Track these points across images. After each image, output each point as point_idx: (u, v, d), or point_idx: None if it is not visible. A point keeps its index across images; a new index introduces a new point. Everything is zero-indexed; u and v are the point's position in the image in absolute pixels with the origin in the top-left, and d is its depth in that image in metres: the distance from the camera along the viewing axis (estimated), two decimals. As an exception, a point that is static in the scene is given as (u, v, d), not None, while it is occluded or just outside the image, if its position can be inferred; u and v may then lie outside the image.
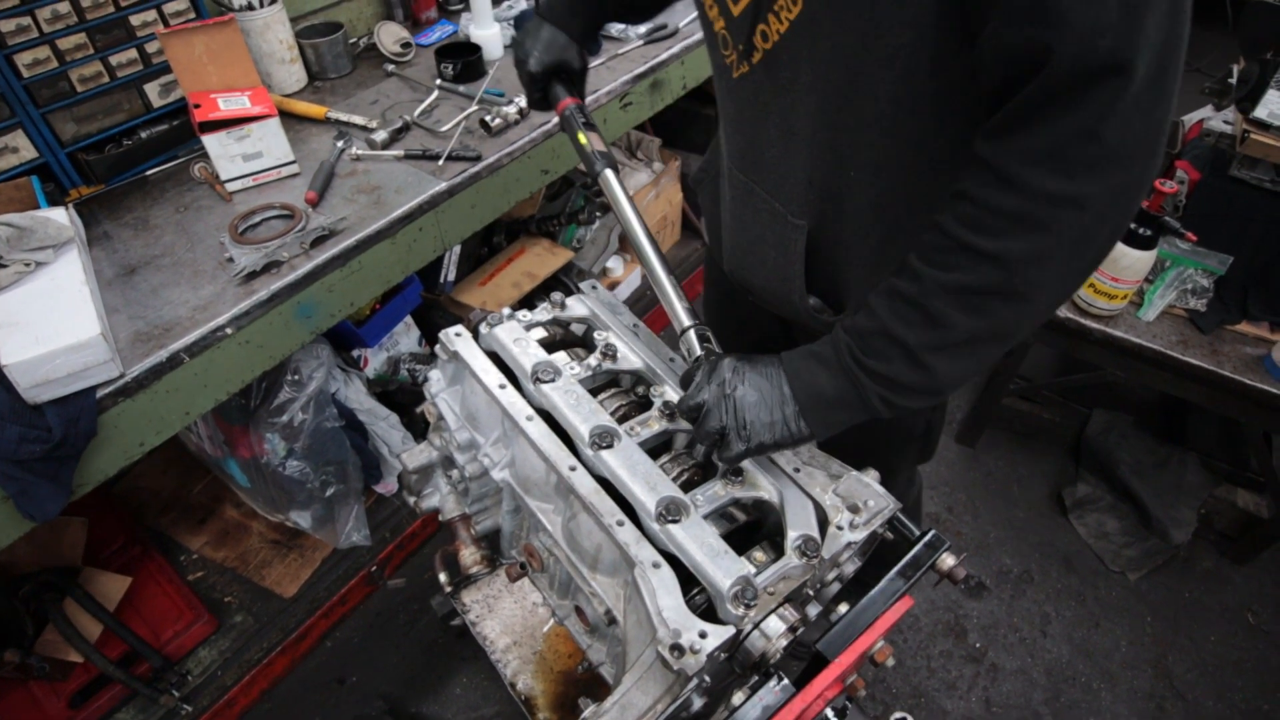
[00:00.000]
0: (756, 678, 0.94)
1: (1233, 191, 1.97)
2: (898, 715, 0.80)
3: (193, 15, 1.74)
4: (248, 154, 1.66)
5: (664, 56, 2.19)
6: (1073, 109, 0.74)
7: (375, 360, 2.10)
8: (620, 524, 0.93)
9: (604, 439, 0.99)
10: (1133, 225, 1.90)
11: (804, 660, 0.96)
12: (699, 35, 2.29)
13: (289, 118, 1.88)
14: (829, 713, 0.93)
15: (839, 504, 1.02)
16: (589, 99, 1.99)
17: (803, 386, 0.93)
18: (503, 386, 1.07)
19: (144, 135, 1.74)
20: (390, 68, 2.10)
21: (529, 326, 1.16)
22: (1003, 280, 0.82)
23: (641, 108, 2.22)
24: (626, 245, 2.77)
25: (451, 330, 1.14)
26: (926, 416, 1.39)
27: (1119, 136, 0.74)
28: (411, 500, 1.30)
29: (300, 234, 1.55)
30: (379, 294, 1.71)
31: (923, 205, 0.97)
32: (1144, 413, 2.61)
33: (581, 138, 1.17)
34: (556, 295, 1.21)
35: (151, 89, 1.73)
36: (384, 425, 2.01)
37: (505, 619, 1.83)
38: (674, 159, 2.92)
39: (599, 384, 1.15)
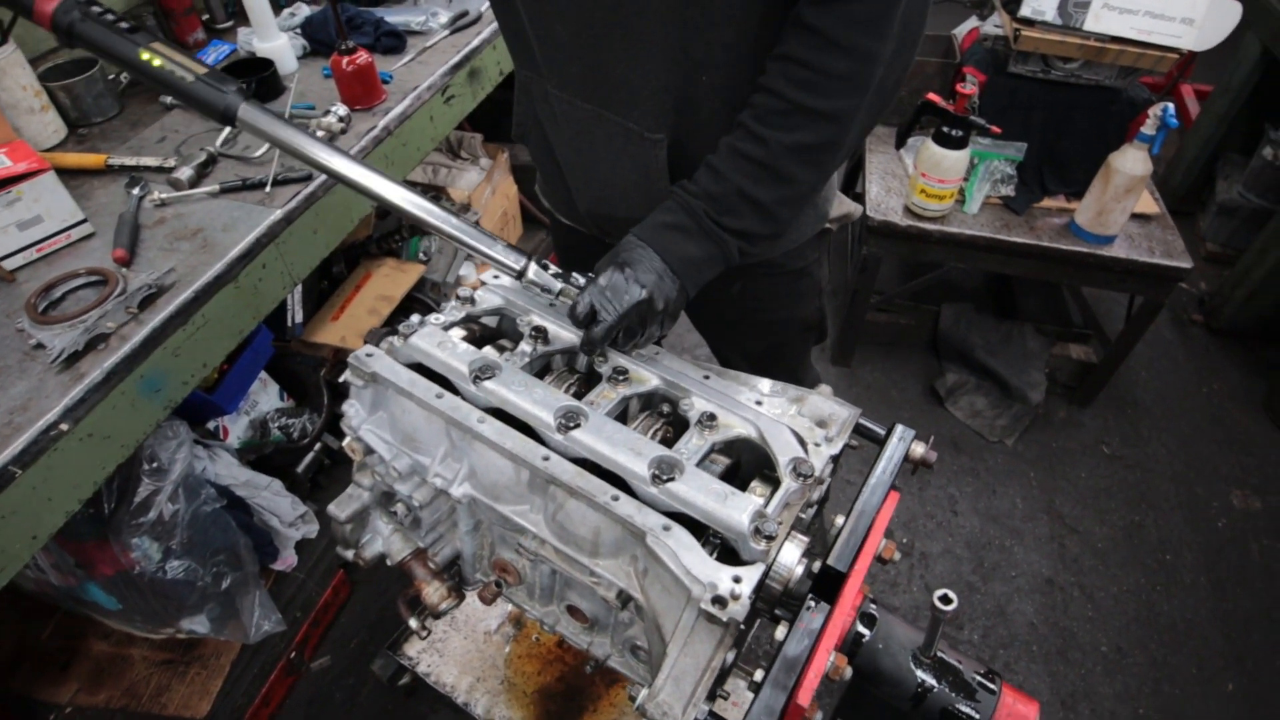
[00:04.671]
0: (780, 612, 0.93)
1: (1014, 86, 2.22)
2: (940, 593, 0.81)
3: (-97, 70, 1.42)
4: (23, 221, 1.39)
5: (476, 43, 2.10)
6: None
7: (236, 427, 1.85)
8: (615, 499, 0.87)
9: (571, 419, 0.92)
10: (945, 129, 2.09)
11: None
12: (504, 18, 2.22)
13: (61, 174, 1.59)
14: (859, 627, 0.93)
15: (809, 423, 1.02)
16: (410, 96, 1.86)
17: (676, 259, 1.00)
18: (440, 396, 0.96)
19: None
20: (168, 99, 1.84)
21: (445, 328, 1.06)
22: (836, 135, 0.96)
23: (465, 99, 2.12)
24: (476, 248, 2.65)
25: (361, 352, 1.01)
26: (817, 303, 1.49)
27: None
28: (349, 554, 1.15)
29: (122, 298, 1.33)
30: (233, 346, 1.50)
31: None
32: (980, 298, 2.91)
33: (151, 57, 0.74)
34: (464, 291, 1.12)
35: None
36: (268, 495, 1.79)
37: (460, 658, 1.71)
38: (500, 151, 2.82)
39: (535, 371, 1.07)
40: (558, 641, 1.71)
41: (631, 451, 0.89)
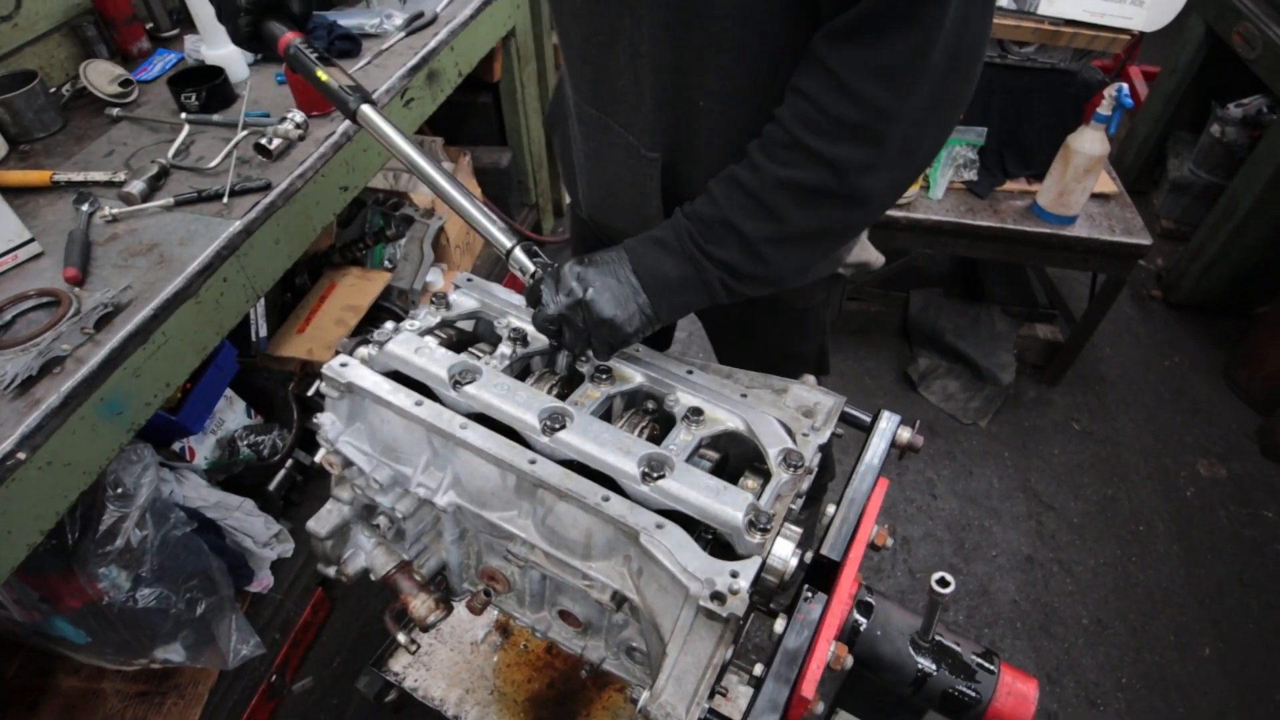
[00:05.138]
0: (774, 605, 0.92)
1: (972, 70, 2.24)
2: (938, 576, 0.81)
3: None
4: (-34, 243, 1.33)
5: (433, 44, 2.06)
6: (909, 26, 0.76)
7: (203, 448, 1.79)
8: (606, 499, 0.85)
9: (556, 420, 0.90)
10: (907, 115, 2.10)
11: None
12: (462, 18, 2.19)
13: (4, 193, 1.52)
14: (855, 615, 0.93)
15: (794, 413, 1.02)
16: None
17: (648, 272, 0.94)
18: (419, 403, 0.94)
19: None
20: (115, 111, 1.78)
21: (421, 334, 1.03)
22: (833, 182, 0.86)
23: (424, 102, 2.08)
24: (444, 254, 2.61)
25: (335, 362, 0.98)
26: (818, 341, 1.44)
27: (945, 53, 0.78)
28: (331, 571, 1.11)
29: (76, 319, 1.27)
30: (196, 364, 1.45)
31: None
32: (947, 283, 2.94)
33: (322, 74, 1.04)
34: (438, 295, 1.09)
35: None
36: (240, 515, 1.73)
37: (447, 671, 1.68)
38: (462, 155, 2.78)
39: (515, 374, 1.05)
40: (546, 648, 1.69)
41: (620, 450, 0.88)
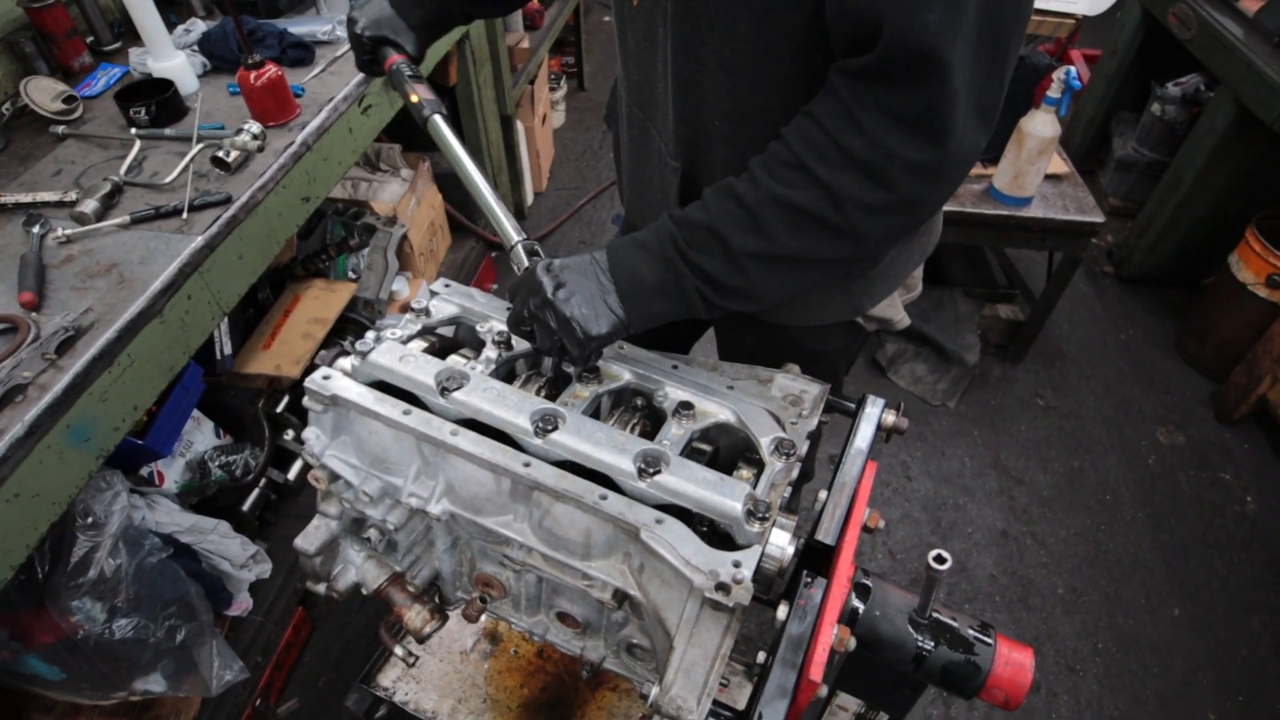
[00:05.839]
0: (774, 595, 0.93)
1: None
2: (935, 553, 0.83)
3: None
4: (-90, 272, 1.27)
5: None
6: (917, 81, 0.75)
7: (172, 471, 1.74)
8: (604, 498, 0.85)
9: (548, 422, 0.90)
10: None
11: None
12: (416, 22, 2.16)
13: (-53, 218, 1.47)
14: (854, 600, 0.94)
15: (781, 402, 1.03)
16: (326, 109, 1.79)
17: (624, 274, 0.92)
18: (408, 412, 0.92)
19: None
20: (60, 129, 1.71)
21: (403, 342, 1.02)
22: (830, 210, 0.83)
23: (382, 109, 2.05)
24: (409, 262, 2.58)
25: (317, 375, 0.96)
26: (848, 354, 1.42)
27: (961, 111, 0.77)
28: (322, 588, 1.09)
29: (36, 345, 1.23)
30: (164, 385, 1.41)
31: None
32: (909, 268, 3.00)
33: (411, 94, 1.18)
34: (419, 302, 1.08)
35: None
36: (215, 538, 1.68)
37: (438, 682, 1.66)
38: (421, 161, 2.74)
39: (500, 377, 1.04)
40: (537, 652, 1.68)
41: (615, 448, 0.88)
